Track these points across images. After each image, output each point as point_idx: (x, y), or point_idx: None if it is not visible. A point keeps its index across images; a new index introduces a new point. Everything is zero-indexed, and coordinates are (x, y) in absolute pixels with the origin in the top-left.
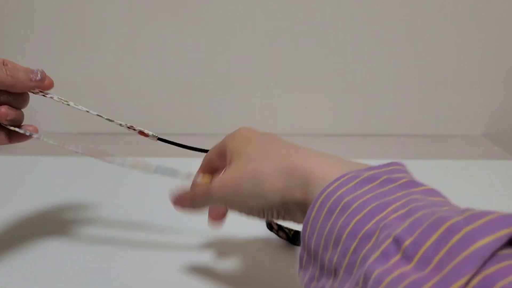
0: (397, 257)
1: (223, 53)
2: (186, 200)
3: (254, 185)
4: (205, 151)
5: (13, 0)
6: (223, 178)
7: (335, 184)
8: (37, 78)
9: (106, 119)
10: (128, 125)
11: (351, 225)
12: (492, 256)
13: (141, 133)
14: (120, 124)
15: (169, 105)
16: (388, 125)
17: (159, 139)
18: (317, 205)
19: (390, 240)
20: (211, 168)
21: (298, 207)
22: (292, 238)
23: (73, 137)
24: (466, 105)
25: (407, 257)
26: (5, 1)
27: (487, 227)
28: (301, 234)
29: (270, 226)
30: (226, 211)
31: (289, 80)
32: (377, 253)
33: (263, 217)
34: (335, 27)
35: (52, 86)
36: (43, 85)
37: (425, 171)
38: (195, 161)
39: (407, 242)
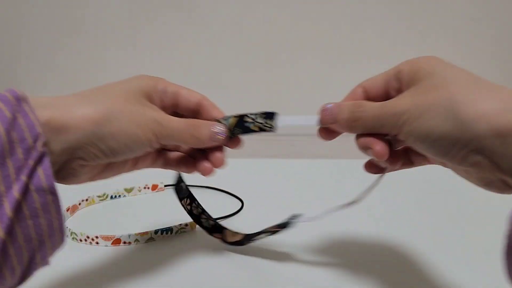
0: None
1: (223, 53)
2: (345, 117)
3: (459, 105)
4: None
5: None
6: (406, 93)
7: None
8: (218, 139)
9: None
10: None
11: None
12: None
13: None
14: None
15: None
16: None
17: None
18: None
19: None
20: (364, 97)
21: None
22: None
23: None
24: None
25: None
26: (14, 8)
27: None
28: None
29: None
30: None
31: (289, 81)
32: None
33: (440, 153)
34: (335, 28)
35: (240, 144)
36: (228, 145)
37: (425, 171)
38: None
39: None
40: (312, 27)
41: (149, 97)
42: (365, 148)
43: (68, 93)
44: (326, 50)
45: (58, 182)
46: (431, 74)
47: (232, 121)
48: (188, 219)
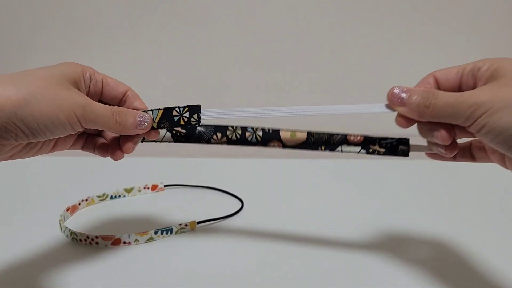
0: None
1: (223, 54)
2: (416, 101)
3: None
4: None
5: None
6: (485, 87)
7: None
8: (143, 127)
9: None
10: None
11: None
12: None
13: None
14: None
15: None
16: (389, 125)
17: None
18: None
19: None
20: (436, 85)
21: None
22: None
23: None
24: None
25: None
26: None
27: None
28: None
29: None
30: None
31: (289, 80)
32: None
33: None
34: (335, 28)
35: (157, 136)
36: (149, 136)
37: (425, 171)
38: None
39: None
40: (314, 25)
41: (75, 84)
42: (430, 131)
43: None
44: (327, 51)
45: None
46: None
47: (159, 113)
48: (188, 219)
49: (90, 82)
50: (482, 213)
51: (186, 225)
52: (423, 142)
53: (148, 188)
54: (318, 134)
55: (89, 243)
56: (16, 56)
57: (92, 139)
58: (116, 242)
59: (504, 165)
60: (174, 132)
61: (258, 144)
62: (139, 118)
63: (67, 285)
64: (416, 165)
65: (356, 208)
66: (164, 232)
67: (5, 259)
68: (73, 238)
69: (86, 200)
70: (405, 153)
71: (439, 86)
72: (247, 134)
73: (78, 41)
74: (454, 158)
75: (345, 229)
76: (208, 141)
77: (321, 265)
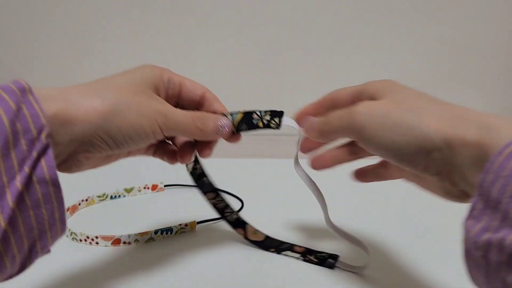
0: None
1: (223, 54)
2: (318, 124)
3: (410, 116)
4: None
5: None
6: (371, 103)
7: None
8: (223, 132)
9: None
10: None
11: None
12: None
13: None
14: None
15: None
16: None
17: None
18: (506, 151)
19: None
20: (330, 104)
21: (462, 151)
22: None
23: None
24: (465, 105)
25: None
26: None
27: None
28: (478, 181)
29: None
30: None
31: (288, 80)
32: None
33: (397, 158)
34: (335, 28)
35: (239, 139)
36: (229, 140)
37: None
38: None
39: None
40: (313, 27)
41: (155, 88)
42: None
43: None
44: (326, 51)
45: (61, 172)
46: (395, 91)
47: (238, 116)
48: (188, 219)
49: (169, 85)
50: None
51: (186, 225)
52: (351, 261)
53: (148, 188)
54: (273, 239)
55: (89, 243)
56: (16, 56)
57: (163, 146)
58: (116, 242)
59: (408, 178)
60: (194, 168)
61: (230, 225)
62: (219, 123)
63: (67, 285)
64: None
65: (357, 209)
66: (164, 232)
67: None
68: (73, 238)
69: (86, 200)
70: (331, 266)
71: (335, 104)
72: (227, 210)
73: (78, 40)
74: (365, 179)
75: (346, 229)
76: (204, 193)
77: (321, 265)
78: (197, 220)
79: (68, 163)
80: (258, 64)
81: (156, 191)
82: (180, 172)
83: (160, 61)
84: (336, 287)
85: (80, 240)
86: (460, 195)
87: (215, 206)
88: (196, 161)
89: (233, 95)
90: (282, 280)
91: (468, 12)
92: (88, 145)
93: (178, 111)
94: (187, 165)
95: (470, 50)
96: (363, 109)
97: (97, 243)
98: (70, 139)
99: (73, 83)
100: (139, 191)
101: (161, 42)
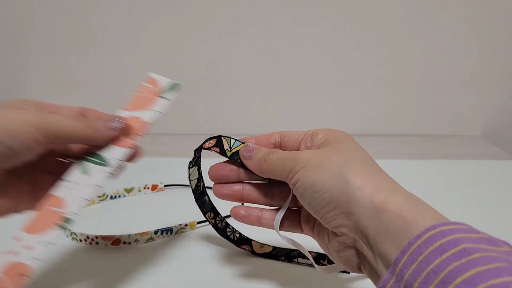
0: None
1: (223, 54)
2: (259, 156)
3: (339, 172)
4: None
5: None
6: (312, 149)
7: (451, 227)
8: (116, 127)
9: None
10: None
11: (470, 273)
12: None
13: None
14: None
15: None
16: (388, 125)
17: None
18: (425, 237)
19: None
20: (279, 143)
21: (381, 217)
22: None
23: None
24: (465, 105)
25: None
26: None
27: None
28: (394, 260)
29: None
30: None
31: (288, 81)
32: None
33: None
34: (334, 27)
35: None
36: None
37: (425, 171)
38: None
39: None
40: (311, 28)
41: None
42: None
43: (71, 94)
44: (326, 51)
45: None
46: (339, 141)
47: (240, 146)
48: (188, 219)
49: (41, 106)
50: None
51: (186, 225)
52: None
53: (148, 188)
54: (281, 249)
55: (89, 243)
56: (16, 56)
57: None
58: (116, 242)
59: (312, 234)
60: (197, 186)
61: (232, 243)
62: (108, 118)
63: (67, 285)
64: (418, 165)
65: None
66: (164, 232)
67: None
68: (73, 238)
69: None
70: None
71: (281, 145)
72: (228, 229)
73: (78, 41)
74: (290, 228)
75: None
76: (204, 213)
77: (321, 265)
78: (197, 220)
79: None
80: (257, 65)
81: (156, 191)
82: (180, 172)
83: (160, 61)
84: None
85: (80, 240)
86: (353, 262)
87: (215, 226)
88: (200, 178)
89: (233, 95)
90: (284, 279)
91: (467, 12)
92: None
93: (59, 115)
94: (190, 180)
95: (470, 50)
96: (307, 154)
97: (97, 243)
98: None
99: (73, 83)
100: (139, 191)
101: (161, 42)
